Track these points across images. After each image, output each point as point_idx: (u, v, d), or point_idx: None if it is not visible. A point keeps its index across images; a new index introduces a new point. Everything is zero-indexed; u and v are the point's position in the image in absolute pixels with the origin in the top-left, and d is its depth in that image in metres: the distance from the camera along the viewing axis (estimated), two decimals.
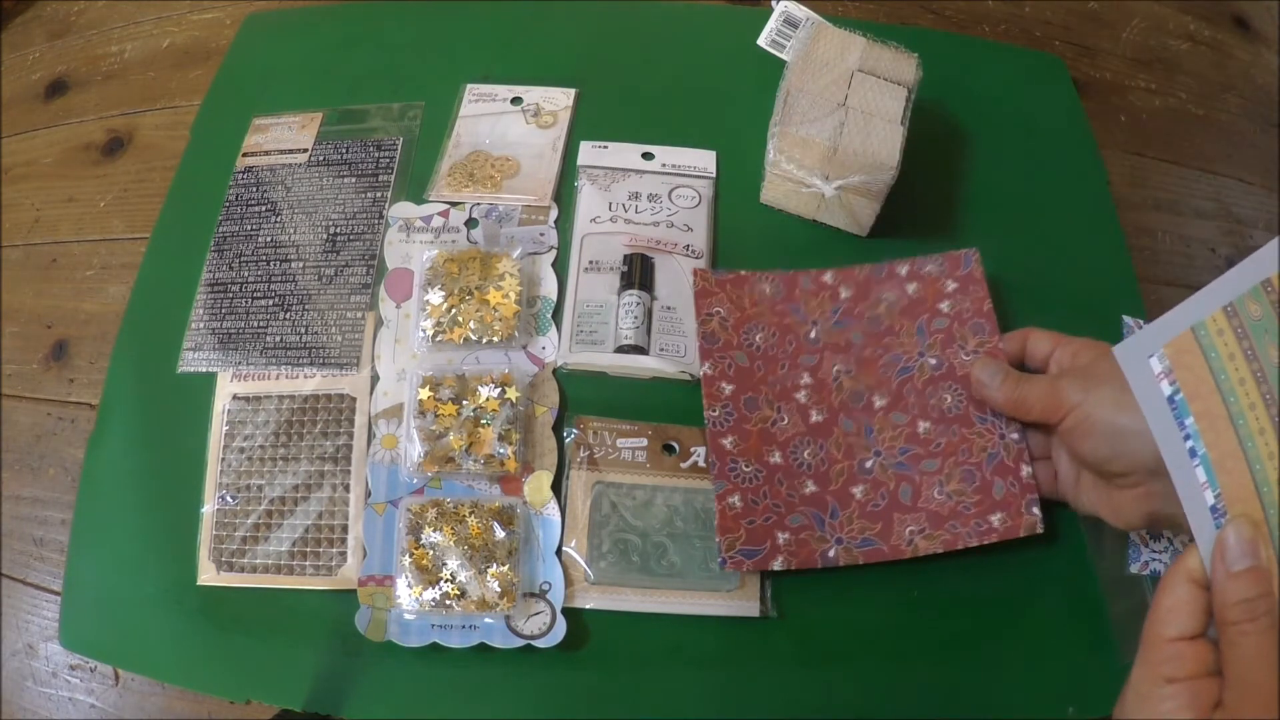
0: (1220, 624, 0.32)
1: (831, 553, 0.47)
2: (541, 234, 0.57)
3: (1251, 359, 0.33)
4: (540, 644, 0.45)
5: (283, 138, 0.62)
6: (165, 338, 0.55)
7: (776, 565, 0.46)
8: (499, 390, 0.50)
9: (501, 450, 0.49)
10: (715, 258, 0.57)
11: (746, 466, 0.49)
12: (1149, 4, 1.06)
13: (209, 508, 0.50)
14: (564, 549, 0.48)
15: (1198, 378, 0.33)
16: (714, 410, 0.50)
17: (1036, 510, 0.46)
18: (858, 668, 0.47)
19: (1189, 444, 0.33)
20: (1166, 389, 0.34)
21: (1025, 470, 0.47)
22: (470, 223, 0.57)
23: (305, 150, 0.61)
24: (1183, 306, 0.34)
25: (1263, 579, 0.31)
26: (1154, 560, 0.49)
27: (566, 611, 0.46)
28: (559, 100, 0.63)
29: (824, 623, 0.48)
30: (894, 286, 0.54)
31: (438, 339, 0.52)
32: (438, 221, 0.57)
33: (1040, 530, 0.46)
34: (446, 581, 0.45)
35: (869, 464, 0.49)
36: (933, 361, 0.51)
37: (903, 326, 0.53)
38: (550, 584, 0.47)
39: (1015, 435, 0.48)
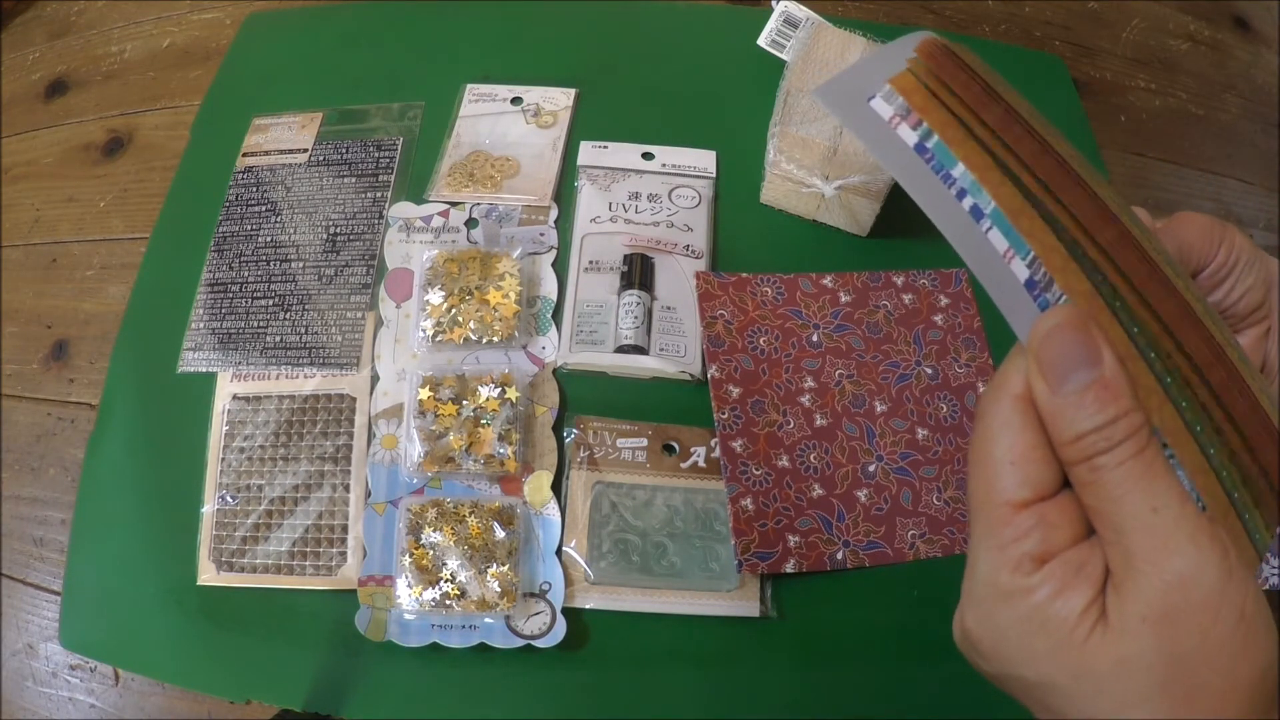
0: (1066, 466, 0.22)
1: (839, 555, 0.47)
2: (541, 234, 0.57)
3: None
4: (540, 644, 0.45)
5: (283, 138, 0.62)
6: (165, 338, 0.55)
7: (788, 568, 0.47)
8: (499, 390, 0.50)
9: (501, 450, 0.49)
10: (715, 258, 0.57)
11: (756, 469, 0.49)
12: (1149, 4, 1.06)
13: (209, 508, 0.50)
14: (564, 549, 0.48)
15: (946, 115, 0.24)
16: (723, 413, 0.50)
17: None
18: (858, 668, 0.47)
19: (967, 202, 0.24)
20: (910, 136, 0.24)
21: None
22: (470, 223, 0.57)
23: (305, 150, 0.61)
24: (899, 41, 0.26)
25: (1113, 393, 0.21)
26: None
27: (566, 611, 0.46)
28: (559, 100, 0.63)
29: (824, 623, 0.48)
30: (891, 295, 0.55)
31: (438, 339, 0.52)
32: (438, 221, 0.57)
33: None
34: (446, 581, 0.45)
35: (872, 468, 0.50)
36: (929, 371, 0.52)
37: (900, 335, 0.54)
38: (550, 584, 0.47)
39: None
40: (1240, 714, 0.20)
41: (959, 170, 0.24)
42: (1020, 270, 0.23)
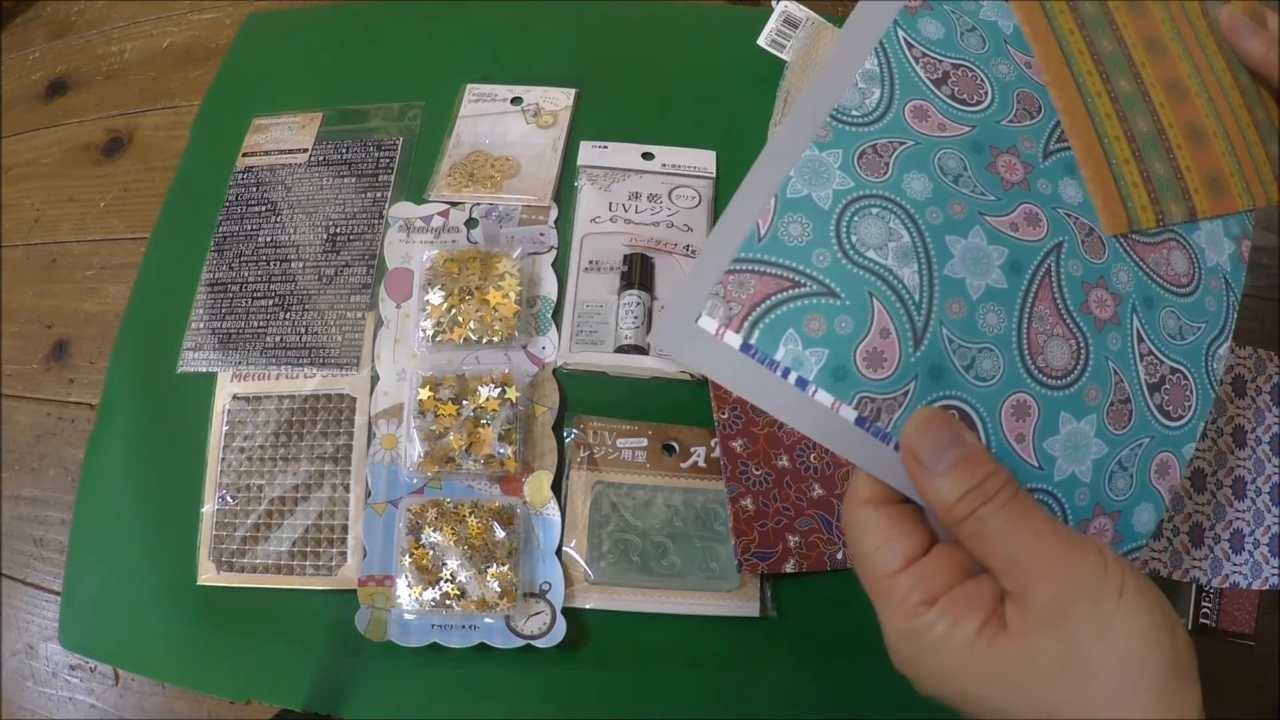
0: (953, 527, 0.27)
1: (839, 555, 0.47)
2: (541, 234, 0.57)
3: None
4: (540, 644, 0.45)
5: (283, 138, 0.62)
6: (165, 338, 0.55)
7: (789, 568, 0.47)
8: (499, 390, 0.50)
9: (501, 450, 0.49)
10: None
11: (756, 469, 0.49)
12: None
13: (209, 508, 0.50)
14: (564, 549, 0.48)
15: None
16: (723, 413, 0.50)
17: None
18: (858, 668, 0.47)
19: (792, 377, 0.28)
20: (734, 339, 0.28)
21: None
22: (470, 223, 0.57)
23: (305, 150, 0.61)
24: (720, 233, 0.29)
25: (979, 460, 0.27)
26: (1153, 560, 0.49)
27: (566, 611, 0.46)
28: (559, 100, 0.63)
29: (824, 623, 0.48)
30: None
31: (438, 339, 0.52)
32: (438, 221, 0.57)
33: None
34: (446, 581, 0.45)
35: None
36: None
37: None
38: (550, 584, 0.47)
39: None
40: (1138, 676, 0.24)
41: (781, 354, 0.28)
42: (848, 414, 0.28)
